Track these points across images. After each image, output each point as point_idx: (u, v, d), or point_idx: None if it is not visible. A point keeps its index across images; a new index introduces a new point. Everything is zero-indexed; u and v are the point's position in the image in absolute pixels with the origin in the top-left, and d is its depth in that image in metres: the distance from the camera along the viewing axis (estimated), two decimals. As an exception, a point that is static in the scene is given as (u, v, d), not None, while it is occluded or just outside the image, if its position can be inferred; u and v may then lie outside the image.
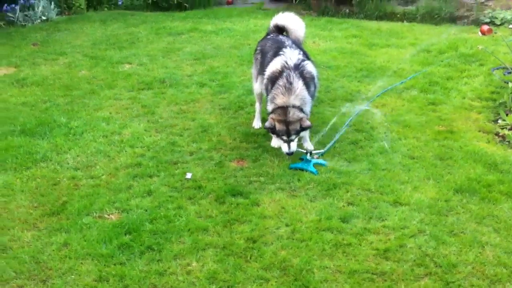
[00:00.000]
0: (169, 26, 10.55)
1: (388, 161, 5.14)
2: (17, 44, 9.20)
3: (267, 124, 5.09)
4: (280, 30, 5.97)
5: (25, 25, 10.53)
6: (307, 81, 5.18)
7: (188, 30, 10.22)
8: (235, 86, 7.07)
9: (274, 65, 5.26)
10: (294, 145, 5.07)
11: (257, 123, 5.96)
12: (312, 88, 5.26)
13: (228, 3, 13.42)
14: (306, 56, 5.48)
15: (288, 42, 5.54)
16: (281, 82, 5.09)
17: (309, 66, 5.29)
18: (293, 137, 5.03)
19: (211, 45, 9.21)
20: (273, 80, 5.18)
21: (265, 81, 5.36)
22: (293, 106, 5.00)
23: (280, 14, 6.08)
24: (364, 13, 11.36)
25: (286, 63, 5.19)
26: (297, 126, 5.01)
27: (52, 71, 7.82)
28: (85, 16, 11.61)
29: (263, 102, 5.72)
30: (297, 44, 5.62)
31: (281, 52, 5.32)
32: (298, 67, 5.17)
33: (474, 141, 5.50)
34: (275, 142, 5.33)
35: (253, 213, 4.39)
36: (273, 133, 5.15)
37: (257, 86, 5.78)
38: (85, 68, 7.96)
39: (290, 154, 5.08)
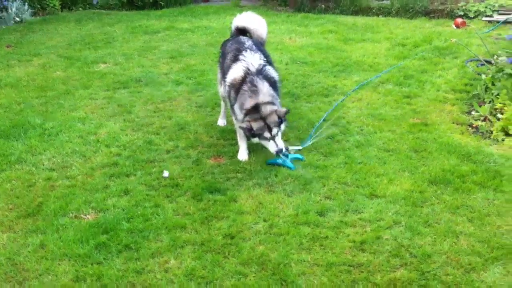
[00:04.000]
0: (145, 24, 10.51)
1: (364, 154, 5.18)
2: (-9, 46, 9.09)
3: (243, 125, 4.89)
4: (243, 31, 5.80)
5: (-2, 26, 10.43)
6: (271, 84, 5.05)
7: (164, 28, 10.18)
8: (211, 83, 7.07)
9: (235, 72, 5.11)
10: (280, 141, 4.92)
11: (221, 121, 5.95)
12: (276, 91, 5.12)
13: (204, 1, 13.40)
14: (268, 59, 5.34)
15: (248, 43, 5.39)
16: (246, 87, 4.96)
17: (270, 71, 5.18)
18: (275, 130, 4.87)
19: (188, 43, 9.19)
20: (236, 87, 5.04)
21: (226, 88, 5.21)
22: (264, 103, 4.89)
23: (240, 15, 5.93)
24: (340, 8, 11.44)
25: (248, 69, 5.05)
26: (275, 118, 4.87)
27: (26, 73, 7.74)
28: (60, 17, 11.51)
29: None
30: (258, 46, 5.47)
31: (241, 56, 5.17)
32: (260, 72, 5.06)
33: (448, 133, 5.57)
34: (244, 154, 5.21)
35: (231, 209, 4.40)
36: (253, 136, 4.91)
37: (222, 90, 5.63)
38: (60, 69, 7.89)
39: (279, 151, 4.90)
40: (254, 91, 4.92)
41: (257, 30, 5.80)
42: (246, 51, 5.24)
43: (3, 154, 5.26)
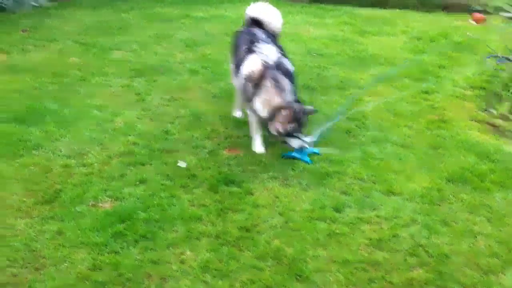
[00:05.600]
0: (159, 12, 10.46)
1: (381, 150, 5.16)
2: (7, 31, 9.05)
3: (278, 129, 4.83)
4: (256, 22, 5.67)
5: (15, 11, 10.40)
6: (289, 78, 5.02)
7: (179, 16, 10.13)
8: (227, 73, 7.01)
9: (252, 64, 5.04)
10: (303, 136, 4.96)
11: (237, 112, 5.90)
12: (293, 84, 5.08)
13: (220, -11, 13.32)
14: (281, 51, 5.30)
15: (261, 35, 5.32)
16: (268, 83, 4.90)
17: (287, 64, 5.14)
18: (304, 130, 4.94)
19: (203, 31, 9.14)
20: (254, 81, 4.98)
21: (242, 80, 5.14)
22: (292, 102, 4.88)
23: (253, 4, 5.82)
24: (357, 0, 11.33)
25: (266, 61, 5.00)
26: (306, 118, 4.90)
27: (42, 58, 7.73)
28: (76, 2, 11.45)
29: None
30: (271, 37, 5.40)
31: (255, 48, 5.11)
32: (279, 66, 5.01)
33: (466, 130, 5.53)
34: (259, 146, 5.18)
35: (247, 202, 4.40)
36: (286, 136, 4.90)
37: (235, 81, 5.55)
38: (76, 55, 7.87)
39: (302, 146, 4.94)
40: (279, 87, 4.89)
41: (270, 23, 5.71)
42: (260, 42, 5.19)
43: (21, 139, 5.25)
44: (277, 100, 4.87)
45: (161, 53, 7.97)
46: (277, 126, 4.86)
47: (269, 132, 5.00)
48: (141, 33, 9.03)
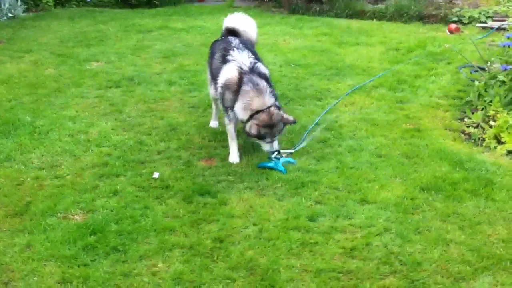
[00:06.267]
0: (138, 23, 10.45)
1: (356, 159, 5.16)
2: (-18, 41, 9.01)
3: (252, 131, 4.86)
4: (233, 32, 5.73)
5: (-10, 22, 10.33)
6: (265, 80, 5.07)
7: (158, 27, 10.13)
8: (204, 84, 7.00)
9: (228, 72, 5.09)
10: (276, 142, 5.01)
11: (214, 123, 5.91)
12: (271, 87, 5.14)
13: (199, 1, 13.34)
14: (256, 56, 5.34)
15: (235, 42, 5.38)
16: (247, 86, 4.94)
17: (262, 67, 5.19)
18: (277, 136, 4.99)
19: (181, 43, 9.14)
20: (232, 88, 5.02)
21: (219, 89, 5.19)
22: (271, 106, 4.92)
23: (230, 15, 5.91)
24: (335, 11, 11.40)
25: (241, 68, 5.05)
26: (281, 125, 4.97)
27: (17, 69, 7.67)
28: (53, 13, 11.42)
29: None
30: (245, 44, 5.44)
31: (229, 57, 5.17)
32: (253, 70, 5.06)
33: (440, 139, 5.56)
34: (235, 156, 5.18)
35: (221, 212, 4.37)
36: (259, 139, 4.97)
37: (212, 91, 5.62)
38: (52, 66, 7.83)
39: (275, 151, 5.00)
40: (258, 90, 4.94)
41: (246, 32, 5.77)
42: (234, 50, 5.24)
43: (-9, 151, 5.20)
44: (257, 102, 4.92)
45: (139, 64, 7.95)
46: (251, 127, 4.89)
47: (244, 130, 5.02)
48: (119, 44, 9.01)
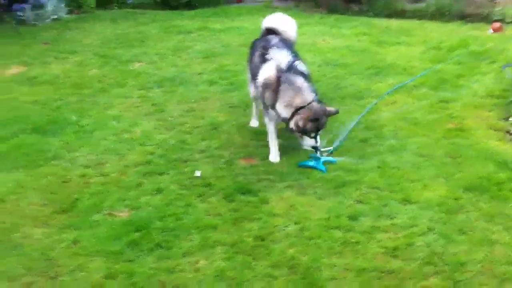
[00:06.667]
0: (178, 24, 10.56)
1: (398, 159, 5.12)
2: (28, 43, 9.25)
3: (300, 124, 4.86)
4: (272, 32, 5.74)
5: (35, 24, 10.58)
6: (305, 78, 5.09)
7: (197, 28, 10.21)
8: (244, 84, 7.03)
9: (267, 71, 5.12)
10: (318, 138, 5.01)
11: (254, 122, 5.95)
12: (311, 84, 5.17)
13: (238, 2, 13.41)
14: (295, 55, 5.35)
15: (274, 41, 5.40)
16: (285, 86, 4.97)
17: (300, 65, 5.20)
18: (321, 130, 4.99)
19: (221, 43, 9.20)
20: (272, 86, 5.05)
21: (259, 88, 5.22)
22: (313, 101, 4.94)
23: (269, 15, 5.94)
24: (374, 11, 11.30)
25: (279, 66, 5.08)
26: (325, 118, 4.96)
27: (62, 70, 7.86)
28: (95, 15, 11.63)
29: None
30: (285, 42, 5.46)
31: (268, 55, 5.20)
32: (291, 68, 5.08)
33: (484, 139, 5.47)
34: (275, 155, 5.20)
35: (262, 211, 4.40)
36: (303, 133, 4.96)
37: (252, 90, 5.68)
38: (96, 67, 7.99)
39: (316, 148, 5.01)
40: (295, 88, 4.96)
41: (285, 32, 5.78)
42: (273, 48, 5.27)
43: (40, 150, 5.35)
44: (298, 100, 4.93)
45: (180, 65, 8.04)
46: (297, 121, 4.89)
47: (288, 128, 5.02)
48: (160, 45, 9.12)
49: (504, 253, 3.82)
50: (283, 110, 5.01)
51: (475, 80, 7.04)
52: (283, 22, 5.88)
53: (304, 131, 4.94)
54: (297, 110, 4.91)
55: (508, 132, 5.64)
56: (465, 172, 4.85)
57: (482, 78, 7.11)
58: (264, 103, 5.26)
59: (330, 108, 5.06)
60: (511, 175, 4.76)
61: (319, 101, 5.02)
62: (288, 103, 4.96)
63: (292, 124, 4.95)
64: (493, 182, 4.65)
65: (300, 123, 4.88)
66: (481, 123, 5.84)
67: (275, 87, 5.04)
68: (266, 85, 5.12)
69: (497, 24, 9.54)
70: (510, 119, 5.88)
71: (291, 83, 4.99)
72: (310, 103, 4.92)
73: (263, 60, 5.24)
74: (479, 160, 5.04)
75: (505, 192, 4.51)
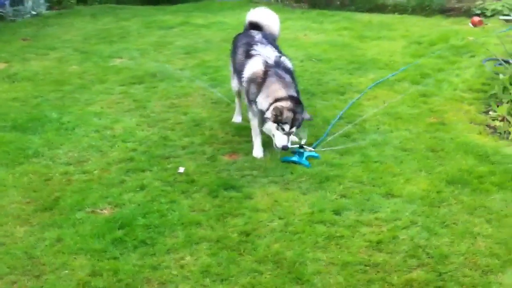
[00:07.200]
0: (160, 19, 10.52)
1: (381, 153, 5.16)
2: (7, 40, 9.14)
3: (274, 109, 4.79)
4: (256, 26, 5.78)
5: (14, 20, 10.46)
6: (289, 75, 5.12)
7: (179, 23, 10.18)
8: (226, 80, 7.03)
9: (254, 66, 5.13)
10: (289, 140, 4.95)
11: (237, 118, 5.94)
12: (294, 81, 5.17)
13: (219, -3, 13.36)
14: (279, 51, 5.37)
15: (258, 36, 5.43)
16: (273, 79, 4.99)
17: (287, 62, 5.24)
18: (293, 129, 4.92)
19: (203, 38, 9.19)
20: (258, 81, 5.06)
21: (244, 84, 5.22)
22: (295, 98, 4.95)
23: (253, 10, 5.96)
24: (355, 6, 11.38)
25: (267, 62, 5.09)
26: (301, 117, 4.92)
27: (42, 66, 7.78)
28: (75, 11, 11.55)
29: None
30: (268, 38, 5.48)
31: (253, 51, 5.21)
32: (279, 64, 5.11)
33: (465, 133, 5.53)
34: (259, 151, 5.19)
35: (246, 206, 4.40)
36: (276, 122, 4.84)
37: (234, 84, 5.69)
38: (76, 63, 7.92)
39: (286, 148, 4.91)
40: (283, 82, 4.98)
41: (269, 26, 5.82)
42: (257, 44, 5.29)
43: (20, 147, 5.29)
44: (281, 93, 4.93)
45: (161, 60, 8.02)
46: (273, 110, 4.83)
47: (264, 120, 4.97)
48: (141, 41, 9.09)
49: (486, 245, 3.86)
50: (262, 100, 4.99)
51: (455, 74, 7.12)
52: (267, 16, 5.90)
53: (279, 120, 4.82)
54: (275, 101, 4.89)
55: (488, 125, 5.71)
56: (447, 166, 4.90)
57: (462, 72, 7.19)
58: (248, 98, 5.25)
59: (306, 114, 5.00)
60: (492, 168, 4.82)
61: (298, 100, 4.99)
62: (268, 94, 4.97)
63: (268, 113, 4.89)
64: (474, 175, 4.71)
65: (276, 111, 4.81)
66: (462, 117, 5.90)
67: (260, 81, 5.05)
68: (252, 80, 5.13)
69: (477, 18, 9.64)
70: (490, 112, 5.95)
71: (279, 78, 5.00)
72: (291, 95, 4.93)
73: (249, 55, 5.24)
74: (460, 154, 5.09)
75: (486, 185, 4.56)
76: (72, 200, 4.47)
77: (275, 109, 4.84)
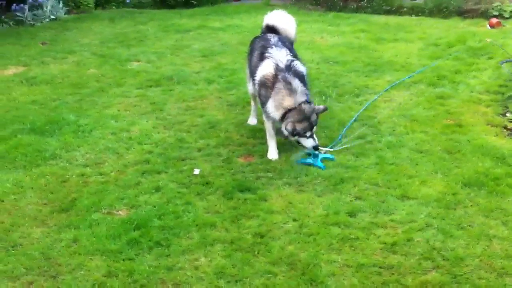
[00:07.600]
0: (177, 23, 10.58)
1: (396, 155, 5.14)
2: (26, 43, 9.26)
3: (288, 128, 4.89)
4: (272, 29, 5.81)
5: (34, 24, 10.60)
6: (301, 79, 5.11)
7: (195, 27, 10.23)
8: (242, 82, 7.07)
9: (265, 69, 5.16)
10: (315, 137, 5.04)
11: (252, 120, 5.97)
12: (306, 86, 5.17)
13: (236, 0, 13.41)
14: (294, 54, 5.39)
15: (273, 40, 5.43)
16: (280, 85, 5.00)
17: (299, 66, 5.23)
18: (314, 128, 5.01)
19: (219, 41, 9.22)
20: (267, 84, 5.09)
21: (256, 86, 5.28)
22: (303, 102, 4.96)
23: (270, 13, 5.98)
24: (372, 8, 11.34)
25: (277, 65, 5.11)
26: (315, 117, 4.99)
27: (61, 70, 7.87)
28: (93, 15, 11.66)
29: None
30: (284, 41, 5.50)
31: (267, 54, 5.23)
32: (290, 68, 5.11)
33: (482, 135, 5.48)
34: (274, 153, 5.22)
35: (261, 208, 4.41)
36: (294, 135, 4.96)
37: (250, 87, 5.71)
38: (94, 66, 8.00)
39: (317, 147, 5.01)
40: (290, 89, 4.98)
41: (285, 30, 5.84)
42: (272, 47, 5.29)
43: (38, 149, 5.36)
44: (288, 101, 4.95)
45: (178, 63, 8.06)
46: (287, 125, 4.92)
47: (281, 133, 5.05)
48: (159, 44, 9.14)
49: (502, 247, 3.83)
50: (273, 109, 5.04)
51: (472, 76, 7.06)
52: (284, 20, 5.92)
53: (296, 133, 4.94)
54: (286, 112, 4.94)
55: (505, 127, 5.65)
56: (463, 168, 4.87)
57: (479, 74, 7.13)
58: (260, 101, 5.28)
59: (319, 106, 5.09)
60: (508, 170, 4.78)
61: (308, 102, 5.02)
62: (278, 104, 4.99)
63: (283, 127, 4.98)
64: (491, 177, 4.67)
65: (289, 126, 4.90)
66: (479, 119, 5.85)
67: (270, 85, 5.07)
68: (262, 83, 5.15)
69: (495, 20, 9.55)
70: (507, 114, 5.90)
71: (286, 83, 5.00)
72: (300, 104, 4.94)
73: (262, 58, 5.27)
74: (476, 156, 5.05)
75: (503, 187, 4.52)
76: (89, 201, 4.52)
77: (289, 125, 4.90)
